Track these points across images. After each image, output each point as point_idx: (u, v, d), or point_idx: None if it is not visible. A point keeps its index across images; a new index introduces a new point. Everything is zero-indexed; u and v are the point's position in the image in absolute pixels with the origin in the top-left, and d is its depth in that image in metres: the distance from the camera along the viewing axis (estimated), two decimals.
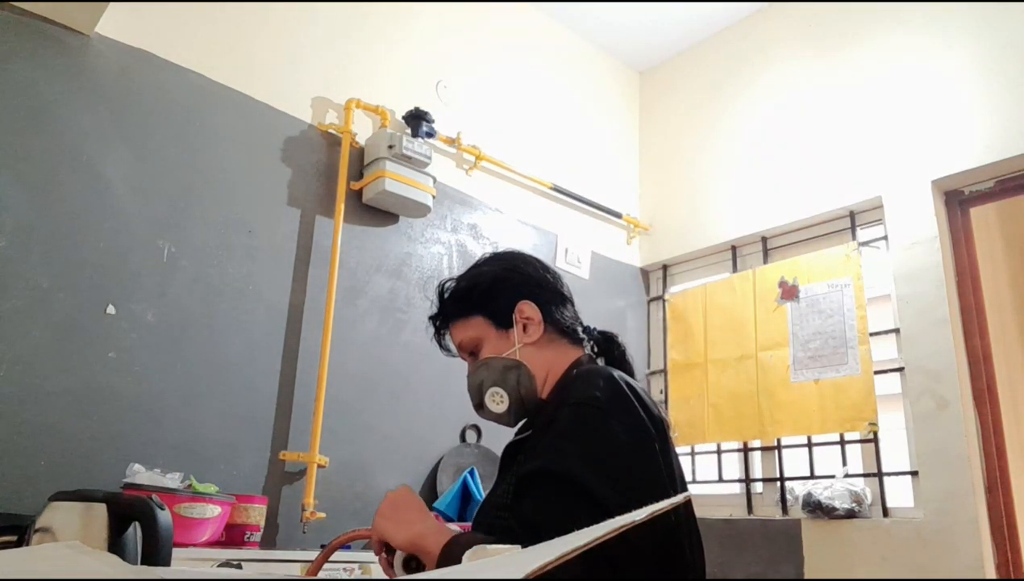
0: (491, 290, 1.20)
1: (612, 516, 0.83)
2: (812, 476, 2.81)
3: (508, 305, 1.19)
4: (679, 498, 0.54)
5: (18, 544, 1.43)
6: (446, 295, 1.24)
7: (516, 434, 1.20)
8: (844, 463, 2.73)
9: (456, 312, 1.22)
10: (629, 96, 3.90)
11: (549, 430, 1.01)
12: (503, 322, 1.19)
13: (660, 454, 1.00)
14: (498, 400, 1.15)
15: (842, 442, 2.75)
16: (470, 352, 1.21)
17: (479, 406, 1.19)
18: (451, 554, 0.88)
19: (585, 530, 0.46)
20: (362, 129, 2.72)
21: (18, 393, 1.86)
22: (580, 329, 1.24)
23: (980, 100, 2.60)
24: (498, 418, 1.18)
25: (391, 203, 2.65)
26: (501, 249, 1.35)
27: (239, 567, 1.75)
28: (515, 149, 3.23)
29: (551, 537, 0.46)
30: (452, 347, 1.27)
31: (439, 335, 1.27)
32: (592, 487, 0.89)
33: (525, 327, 1.18)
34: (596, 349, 1.25)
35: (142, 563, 0.91)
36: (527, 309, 1.19)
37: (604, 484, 0.89)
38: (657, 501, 0.98)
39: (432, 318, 1.27)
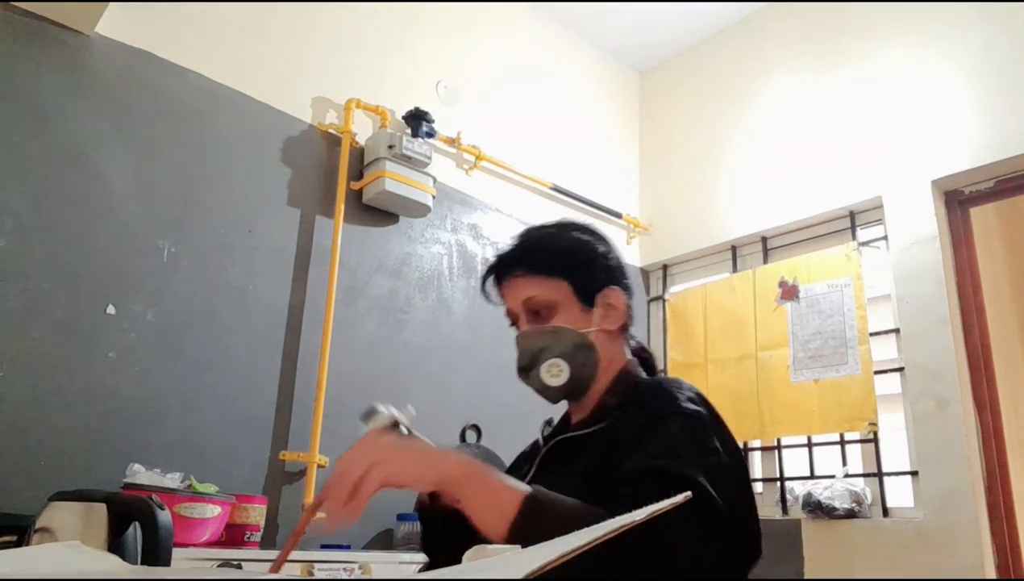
0: (591, 263, 1.12)
1: (726, 527, 0.84)
2: (812, 476, 2.81)
3: (598, 285, 1.12)
4: (679, 497, 0.53)
5: (18, 544, 1.43)
6: (538, 244, 1.14)
7: (559, 431, 1.15)
8: (844, 463, 2.73)
9: (541, 266, 1.11)
10: (629, 96, 3.90)
11: (647, 435, 0.94)
12: (586, 299, 1.11)
13: None
14: (556, 372, 1.08)
15: (842, 442, 2.75)
16: (533, 311, 1.10)
17: (525, 369, 1.10)
18: (537, 514, 0.79)
19: (585, 530, 0.46)
20: (362, 129, 2.72)
21: (18, 393, 1.86)
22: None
23: (980, 100, 2.60)
24: (544, 390, 1.10)
25: (391, 203, 2.65)
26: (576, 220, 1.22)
27: (239, 567, 1.75)
28: (515, 149, 3.22)
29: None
30: (495, 295, 1.16)
31: (489, 277, 1.16)
32: (715, 498, 0.84)
33: (606, 313, 1.12)
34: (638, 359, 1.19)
35: (142, 563, 0.91)
36: (614, 297, 1.12)
37: (722, 497, 0.85)
38: (754, 517, 0.97)
39: (502, 256, 1.14)
